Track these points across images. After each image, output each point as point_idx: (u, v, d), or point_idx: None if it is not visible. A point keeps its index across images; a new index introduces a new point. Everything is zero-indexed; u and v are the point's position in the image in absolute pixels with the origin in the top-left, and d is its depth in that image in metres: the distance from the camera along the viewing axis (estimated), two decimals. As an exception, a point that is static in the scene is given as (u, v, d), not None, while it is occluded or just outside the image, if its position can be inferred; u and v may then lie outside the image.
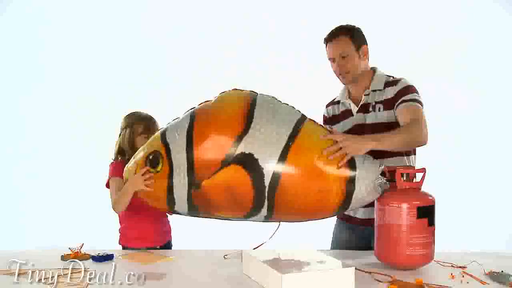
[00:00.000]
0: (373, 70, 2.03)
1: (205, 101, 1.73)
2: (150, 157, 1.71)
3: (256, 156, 1.59)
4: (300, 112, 1.71)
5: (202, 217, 1.76)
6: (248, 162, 1.59)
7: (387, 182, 1.67)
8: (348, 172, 1.63)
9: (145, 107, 2.20)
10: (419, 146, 1.85)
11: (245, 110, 1.65)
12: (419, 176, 1.68)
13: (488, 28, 3.82)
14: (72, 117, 3.88)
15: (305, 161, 1.61)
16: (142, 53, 3.89)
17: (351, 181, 1.63)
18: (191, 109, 1.74)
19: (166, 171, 1.67)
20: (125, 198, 1.87)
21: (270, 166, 1.59)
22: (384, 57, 2.15)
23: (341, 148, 1.62)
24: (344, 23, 2.00)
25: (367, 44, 2.00)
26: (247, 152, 1.60)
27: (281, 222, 1.74)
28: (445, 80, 3.64)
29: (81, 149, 3.80)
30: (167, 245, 2.14)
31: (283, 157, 1.60)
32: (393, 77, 2.00)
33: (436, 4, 3.87)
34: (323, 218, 1.74)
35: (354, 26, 2.00)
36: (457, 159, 3.58)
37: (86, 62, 3.91)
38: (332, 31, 1.99)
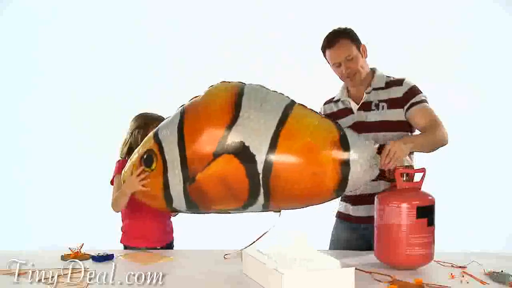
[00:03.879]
0: (373, 70, 2.04)
1: (194, 97, 1.74)
2: (144, 156, 1.72)
3: (246, 144, 1.60)
4: (289, 98, 1.70)
5: (202, 212, 1.77)
6: (240, 151, 1.60)
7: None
8: (341, 154, 1.62)
9: (145, 107, 2.21)
10: (441, 147, 1.88)
11: (233, 99, 1.65)
12: (419, 176, 1.68)
13: (488, 28, 3.81)
14: (72, 117, 3.87)
15: (296, 145, 1.61)
16: (143, 53, 3.89)
17: (345, 162, 1.62)
18: (181, 106, 1.75)
19: (161, 169, 1.68)
20: (122, 200, 1.88)
21: (261, 152, 1.59)
22: (383, 57, 2.16)
23: (391, 154, 1.67)
24: (342, 25, 1.99)
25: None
26: (237, 140, 1.60)
27: (281, 212, 1.72)
28: (445, 80, 3.62)
29: (82, 149, 3.80)
30: (169, 247, 2.12)
31: (273, 143, 1.60)
32: (392, 77, 2.01)
33: (436, 4, 3.87)
34: (322, 203, 1.72)
35: (348, 28, 2.00)
36: (457, 159, 3.56)
37: (86, 62, 3.90)
38: (330, 36, 1.98)
